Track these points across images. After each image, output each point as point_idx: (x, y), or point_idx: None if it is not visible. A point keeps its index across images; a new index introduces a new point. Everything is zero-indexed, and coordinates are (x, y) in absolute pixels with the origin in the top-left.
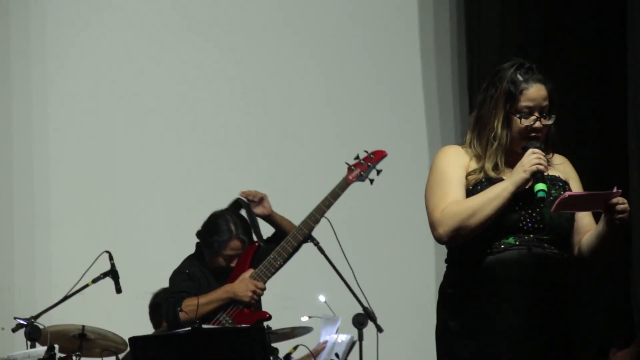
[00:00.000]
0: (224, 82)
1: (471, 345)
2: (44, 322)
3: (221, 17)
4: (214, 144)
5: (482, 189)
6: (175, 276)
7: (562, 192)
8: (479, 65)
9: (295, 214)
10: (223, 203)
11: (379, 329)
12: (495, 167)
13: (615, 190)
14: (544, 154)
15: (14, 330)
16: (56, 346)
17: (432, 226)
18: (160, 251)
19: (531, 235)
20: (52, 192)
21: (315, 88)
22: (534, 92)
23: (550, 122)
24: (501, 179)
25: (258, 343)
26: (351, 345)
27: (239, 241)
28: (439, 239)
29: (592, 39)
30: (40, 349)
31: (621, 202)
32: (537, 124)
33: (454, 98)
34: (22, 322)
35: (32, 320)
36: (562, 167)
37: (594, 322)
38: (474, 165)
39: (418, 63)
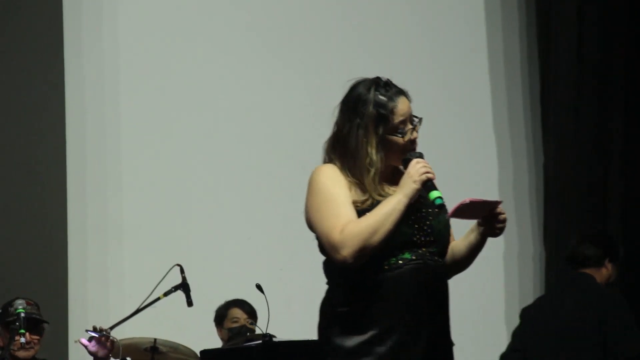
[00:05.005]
0: (297, 93)
1: None
2: (116, 334)
3: (295, 24)
4: (288, 156)
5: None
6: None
7: None
8: (554, 72)
9: None
10: (294, 216)
11: None
12: (378, 192)
13: (499, 200)
14: (426, 161)
15: None
16: (128, 359)
17: (333, 249)
18: (231, 265)
19: (423, 249)
20: (124, 204)
21: None
22: (402, 106)
23: (420, 126)
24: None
25: None
26: None
27: None
28: (342, 262)
29: None
30: None
31: (503, 212)
32: (415, 134)
33: (525, 109)
34: (93, 334)
35: (105, 332)
36: None
37: None
38: (357, 192)
39: (486, 73)
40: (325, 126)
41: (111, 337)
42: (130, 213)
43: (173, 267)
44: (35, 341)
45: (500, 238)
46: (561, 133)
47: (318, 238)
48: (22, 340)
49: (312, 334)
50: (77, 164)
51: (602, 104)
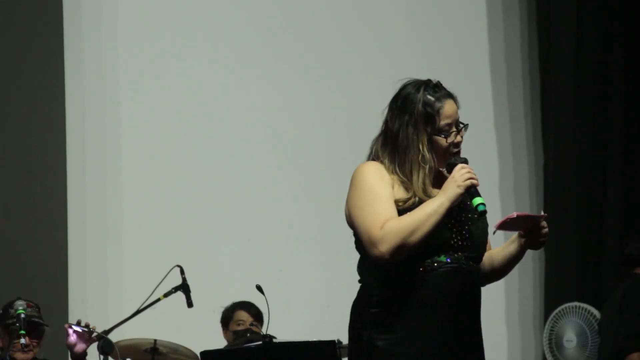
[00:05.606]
0: (297, 93)
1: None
2: (116, 335)
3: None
4: (288, 157)
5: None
6: None
7: None
8: (555, 72)
9: None
10: (294, 217)
11: None
12: (425, 191)
13: (544, 213)
14: (471, 167)
15: None
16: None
17: (372, 244)
18: (231, 266)
19: (460, 253)
20: (124, 205)
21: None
22: (449, 108)
23: (465, 132)
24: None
25: (329, 357)
26: None
27: None
28: (379, 257)
29: None
30: None
31: (546, 226)
32: (459, 138)
33: (525, 109)
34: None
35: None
36: None
37: None
38: (401, 190)
39: (487, 73)
40: (325, 126)
41: (94, 336)
42: (130, 214)
43: (173, 268)
44: (34, 344)
45: (501, 238)
46: (561, 133)
47: (356, 234)
48: (23, 341)
49: (311, 335)
50: (77, 165)
51: (602, 104)
